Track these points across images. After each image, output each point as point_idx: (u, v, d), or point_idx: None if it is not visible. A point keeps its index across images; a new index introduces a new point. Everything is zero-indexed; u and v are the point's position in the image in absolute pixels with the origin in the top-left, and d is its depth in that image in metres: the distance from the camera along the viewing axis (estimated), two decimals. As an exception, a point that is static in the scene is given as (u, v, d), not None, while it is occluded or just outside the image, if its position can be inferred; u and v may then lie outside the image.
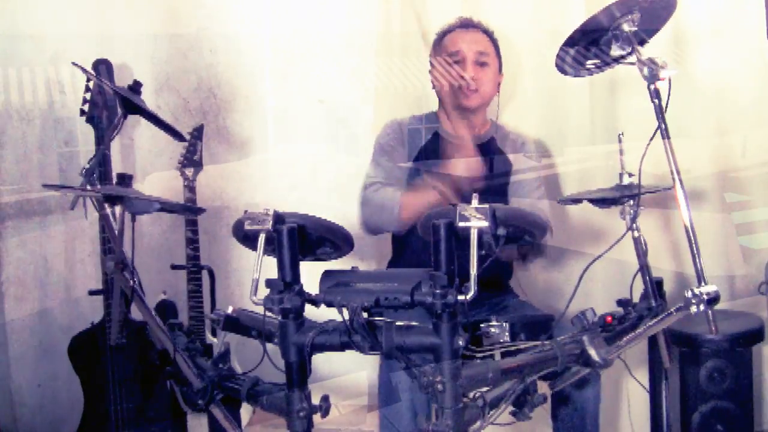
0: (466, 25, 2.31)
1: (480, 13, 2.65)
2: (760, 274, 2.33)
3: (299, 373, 1.36)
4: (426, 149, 2.28)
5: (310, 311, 1.38)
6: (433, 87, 2.31)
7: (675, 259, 2.46)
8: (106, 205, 1.59)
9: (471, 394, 1.38)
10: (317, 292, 1.37)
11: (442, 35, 2.32)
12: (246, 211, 1.46)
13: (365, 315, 1.31)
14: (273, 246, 1.42)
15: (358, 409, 2.78)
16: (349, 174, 2.80)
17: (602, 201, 1.77)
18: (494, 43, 2.29)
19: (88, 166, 1.51)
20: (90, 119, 2.30)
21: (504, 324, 1.46)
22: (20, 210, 2.48)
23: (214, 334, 2.49)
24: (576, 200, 1.87)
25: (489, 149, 2.30)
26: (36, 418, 2.53)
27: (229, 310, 1.63)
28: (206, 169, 2.55)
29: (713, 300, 1.44)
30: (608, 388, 2.63)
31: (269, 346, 1.47)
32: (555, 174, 2.63)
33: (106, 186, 2.09)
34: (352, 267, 1.45)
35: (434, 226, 1.30)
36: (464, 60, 2.23)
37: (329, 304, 1.33)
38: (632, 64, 1.58)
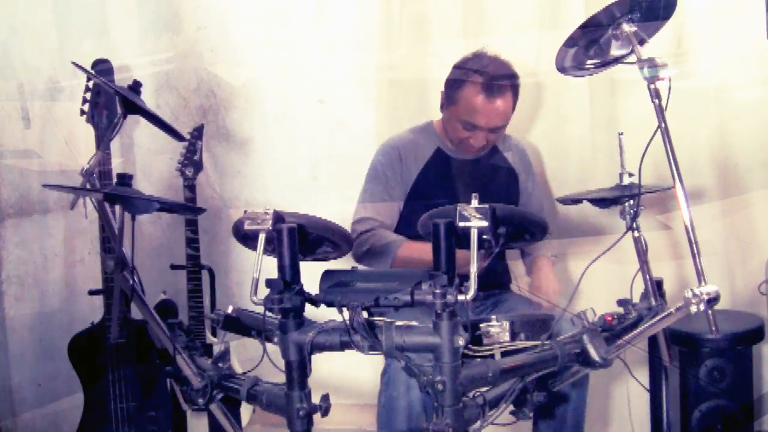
0: (491, 88, 2.08)
1: (479, 12, 2.66)
2: (760, 274, 2.33)
3: (299, 373, 1.36)
4: (428, 168, 2.23)
5: (310, 311, 1.38)
6: (441, 107, 2.23)
7: (675, 259, 2.46)
8: (106, 205, 1.60)
9: (471, 394, 1.38)
10: (317, 292, 1.37)
11: (462, 78, 2.13)
12: (246, 211, 1.46)
13: (365, 315, 1.31)
14: (273, 246, 1.42)
15: (358, 408, 2.78)
16: (349, 174, 2.80)
17: (602, 201, 1.77)
18: (515, 91, 2.13)
19: (88, 166, 1.51)
20: (90, 119, 2.30)
21: (504, 323, 1.46)
22: (20, 210, 2.48)
23: (214, 334, 2.49)
24: (576, 200, 1.87)
25: (492, 159, 2.29)
26: (36, 417, 2.53)
27: (229, 310, 1.63)
28: (206, 169, 2.54)
29: (713, 300, 1.44)
30: (608, 388, 2.64)
31: (269, 346, 1.47)
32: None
33: (106, 186, 2.09)
34: (352, 267, 1.46)
35: (434, 225, 1.30)
36: (478, 129, 2.11)
37: (329, 304, 1.33)
38: (632, 63, 1.58)
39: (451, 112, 2.16)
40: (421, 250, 1.64)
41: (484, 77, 2.09)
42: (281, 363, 1.38)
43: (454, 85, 2.16)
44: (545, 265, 2.24)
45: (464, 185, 2.19)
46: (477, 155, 2.26)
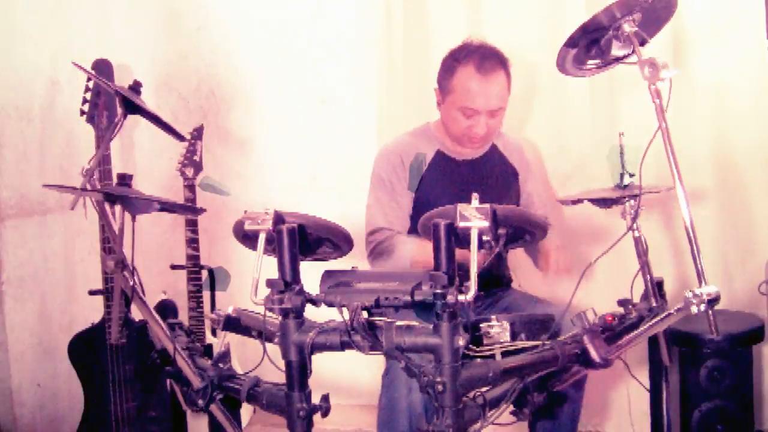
0: (484, 65, 2.08)
1: (480, 11, 2.66)
2: (760, 274, 2.33)
3: (299, 373, 1.36)
4: (430, 171, 2.21)
5: (310, 311, 1.38)
6: (438, 104, 2.22)
7: (675, 259, 2.46)
8: (106, 205, 1.60)
9: (471, 394, 1.38)
10: (317, 292, 1.37)
11: (455, 62, 2.13)
12: (246, 211, 1.46)
13: (365, 315, 1.31)
14: (273, 246, 1.42)
15: (358, 409, 2.78)
16: (349, 174, 2.80)
17: (602, 201, 1.77)
18: (508, 72, 2.13)
19: (88, 166, 1.51)
20: (90, 119, 2.30)
21: (504, 323, 1.46)
22: (20, 210, 2.47)
23: (214, 334, 2.48)
24: (576, 200, 1.87)
25: (492, 159, 2.29)
26: (36, 418, 2.53)
27: (230, 310, 1.63)
28: (206, 169, 2.54)
29: (713, 300, 1.44)
30: (608, 388, 2.64)
31: (269, 346, 1.47)
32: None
33: (106, 186, 2.09)
34: (352, 267, 1.45)
35: (434, 225, 1.30)
36: (477, 115, 2.10)
37: (329, 304, 1.33)
38: (633, 64, 1.58)
39: (448, 103, 2.16)
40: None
41: (476, 59, 2.09)
42: (281, 363, 1.38)
43: (446, 76, 2.16)
44: (552, 249, 2.24)
45: (466, 185, 2.18)
46: (478, 151, 2.25)
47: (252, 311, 1.59)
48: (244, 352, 2.34)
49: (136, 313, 2.16)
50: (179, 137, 1.81)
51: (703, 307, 1.44)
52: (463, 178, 2.21)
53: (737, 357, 2.22)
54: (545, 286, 2.32)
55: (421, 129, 2.31)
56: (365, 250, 2.17)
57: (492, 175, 2.26)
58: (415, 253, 2.05)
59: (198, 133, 2.54)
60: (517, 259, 2.41)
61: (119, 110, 1.62)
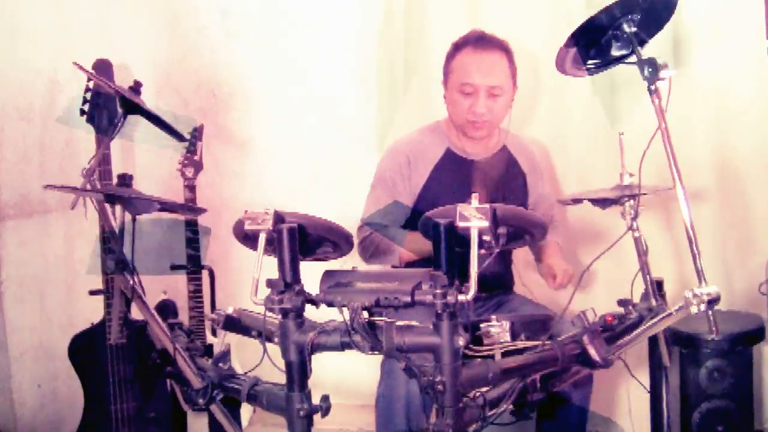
0: (480, 43, 2.13)
1: (481, 12, 2.66)
2: (760, 274, 2.33)
3: (299, 373, 1.36)
4: (439, 170, 2.20)
5: (310, 311, 1.38)
6: (445, 99, 2.22)
7: (675, 259, 2.46)
8: (107, 205, 1.60)
9: (471, 394, 1.38)
10: (317, 292, 1.37)
11: (455, 49, 2.17)
12: (246, 211, 1.46)
13: (365, 315, 1.31)
14: (273, 246, 1.42)
15: (358, 409, 2.78)
16: (349, 174, 2.80)
17: (602, 201, 1.77)
18: (509, 57, 2.16)
19: (88, 166, 1.51)
20: (90, 119, 2.30)
21: (504, 324, 1.46)
22: (20, 210, 2.47)
23: (214, 334, 2.48)
24: (576, 200, 1.87)
25: (502, 159, 2.29)
26: (36, 418, 2.53)
27: (230, 310, 1.63)
28: (206, 169, 2.54)
29: (713, 300, 1.44)
30: (608, 388, 2.64)
31: (269, 346, 1.47)
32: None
33: (107, 186, 2.09)
34: (353, 267, 1.45)
35: (434, 225, 1.30)
36: (476, 93, 2.10)
37: (329, 304, 1.33)
38: (632, 64, 1.58)
39: (450, 89, 2.16)
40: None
41: (473, 41, 2.14)
42: (281, 363, 1.38)
43: (448, 63, 2.19)
44: (556, 250, 2.24)
45: (474, 186, 2.18)
46: (487, 150, 2.25)
47: (252, 311, 1.59)
48: (244, 352, 2.34)
49: (136, 313, 2.16)
50: (179, 137, 1.81)
51: (703, 307, 1.44)
52: (471, 178, 2.21)
53: (737, 357, 2.22)
54: (546, 286, 2.31)
55: (431, 126, 2.31)
56: (357, 247, 2.17)
57: (501, 175, 2.26)
58: (408, 239, 2.06)
59: (198, 133, 2.54)
60: (520, 260, 2.41)
61: (119, 110, 1.62)
